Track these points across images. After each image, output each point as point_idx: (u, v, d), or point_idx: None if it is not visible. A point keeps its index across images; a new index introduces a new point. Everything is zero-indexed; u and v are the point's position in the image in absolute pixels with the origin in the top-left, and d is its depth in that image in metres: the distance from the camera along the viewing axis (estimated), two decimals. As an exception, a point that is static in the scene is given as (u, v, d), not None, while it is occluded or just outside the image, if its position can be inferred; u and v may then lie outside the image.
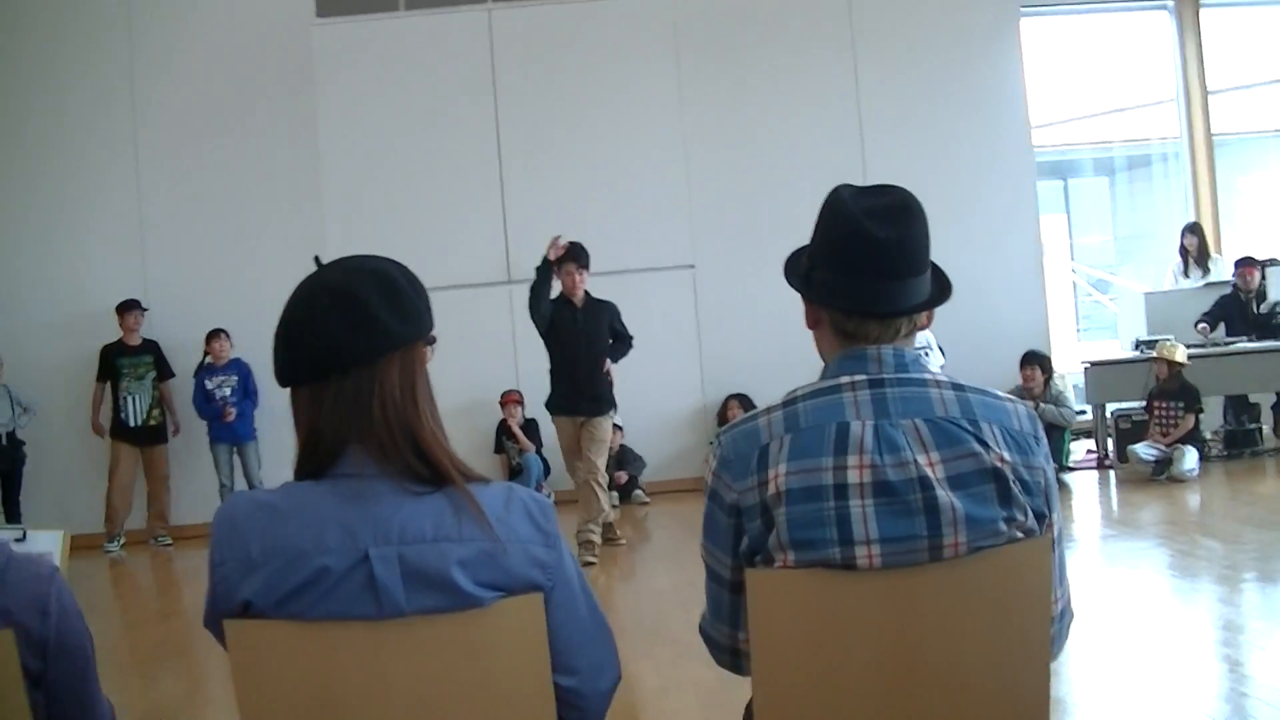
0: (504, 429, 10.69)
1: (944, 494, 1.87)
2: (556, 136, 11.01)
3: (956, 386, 1.98)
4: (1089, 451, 10.63)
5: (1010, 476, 1.92)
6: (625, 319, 8.39)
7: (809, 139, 11.10)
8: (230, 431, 10.31)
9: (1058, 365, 10.56)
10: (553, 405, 8.23)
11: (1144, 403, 9.91)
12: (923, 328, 2.09)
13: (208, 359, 10.46)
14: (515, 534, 1.80)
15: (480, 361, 10.60)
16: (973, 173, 11.16)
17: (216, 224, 10.90)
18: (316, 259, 1.90)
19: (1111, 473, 10.00)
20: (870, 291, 1.99)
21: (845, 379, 1.98)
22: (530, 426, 10.54)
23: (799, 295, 2.07)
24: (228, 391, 10.35)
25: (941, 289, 2.07)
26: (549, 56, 11.06)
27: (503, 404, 10.63)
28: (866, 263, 1.98)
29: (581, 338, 8.05)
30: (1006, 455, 1.93)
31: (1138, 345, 10.46)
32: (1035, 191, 11.43)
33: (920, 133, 11.16)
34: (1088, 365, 10.54)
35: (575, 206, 10.76)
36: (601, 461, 8.13)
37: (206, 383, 10.40)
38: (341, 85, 10.97)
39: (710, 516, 2.02)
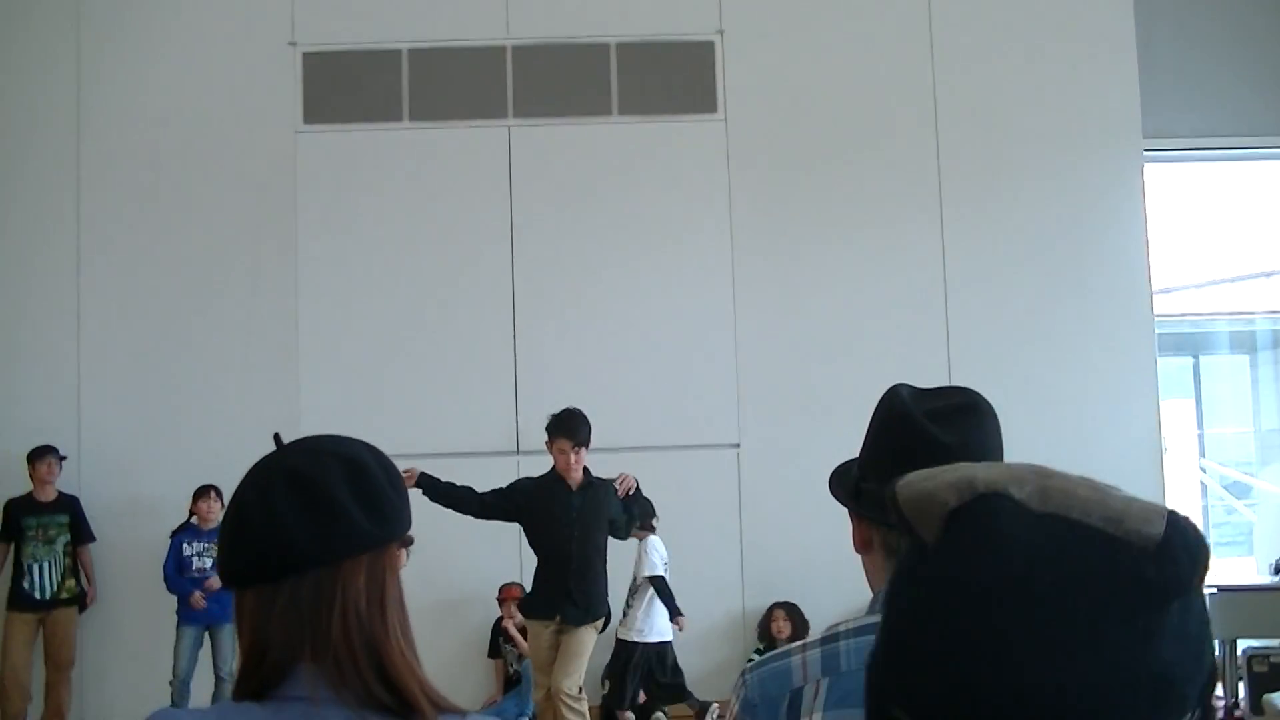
0: (501, 629, 10.63)
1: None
2: (582, 284, 11.10)
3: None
4: (1215, 698, 10.43)
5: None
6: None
7: (882, 304, 11.12)
8: (205, 611, 9.97)
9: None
10: (525, 606, 8.17)
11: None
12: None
13: (193, 519, 10.20)
14: (493, 779, 1.81)
15: (478, 546, 10.52)
16: (1078, 346, 11.15)
17: (167, 365, 10.96)
18: (276, 437, 1.93)
19: (1243, 725, 9.83)
20: None
21: (898, 614, 1.99)
22: (532, 628, 10.50)
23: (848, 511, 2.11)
24: (209, 563, 9.99)
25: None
26: (577, 186, 11.20)
27: (501, 600, 10.58)
28: None
29: (573, 528, 7.90)
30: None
31: (1278, 568, 10.36)
32: (1156, 370, 11.38)
33: (1016, 296, 11.17)
34: (1214, 590, 10.42)
35: (599, 367, 10.84)
36: (573, 679, 7.96)
37: (185, 548, 10.14)
38: (328, 208, 11.12)
39: (730, 771, 2.03)
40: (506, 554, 10.51)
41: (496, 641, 10.70)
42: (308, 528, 1.80)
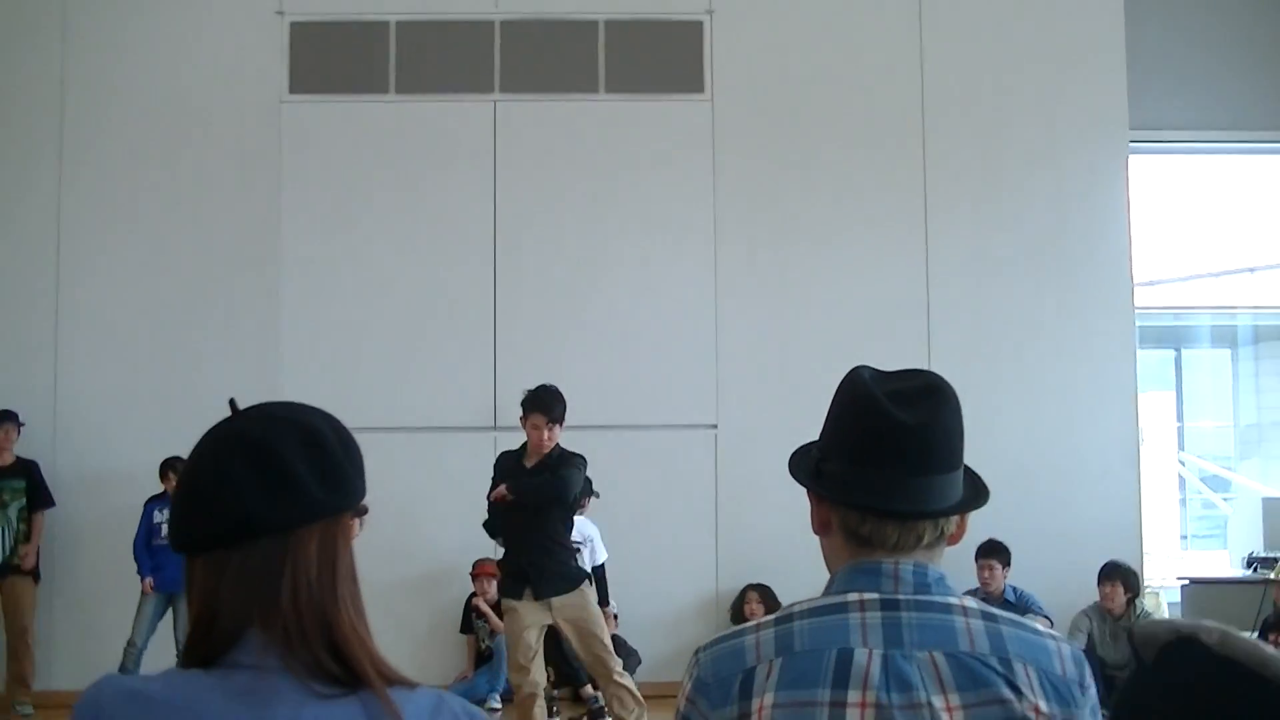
0: (473, 606, 10.63)
1: (961, 746, 1.88)
2: (563, 261, 11.10)
3: (987, 616, 1.98)
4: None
5: (1045, 732, 1.93)
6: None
7: (864, 289, 11.14)
8: (169, 579, 9.88)
9: (1156, 578, 10.47)
10: (499, 587, 8.19)
11: (1256, 634, 9.79)
12: (953, 541, 2.08)
13: (166, 492, 10.13)
14: (443, 753, 1.79)
15: (454, 521, 10.51)
16: (1059, 337, 11.19)
17: (147, 334, 10.95)
18: (232, 402, 1.91)
19: None
20: (890, 486, 2.01)
21: (853, 596, 1.99)
22: (505, 604, 10.50)
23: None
24: None
25: (976, 492, 2.08)
26: (562, 163, 11.19)
27: (474, 575, 10.57)
28: (887, 452, 2.01)
29: (525, 506, 7.89)
30: (1043, 705, 1.92)
31: (1251, 563, 10.38)
32: (1134, 362, 11.40)
33: (998, 286, 11.20)
34: (1186, 582, 10.46)
35: (578, 344, 10.85)
36: (610, 652, 7.96)
37: (155, 514, 10.13)
38: (312, 178, 11.10)
39: (681, 748, 2.02)
40: (481, 529, 10.52)
41: (469, 617, 10.69)
42: (260, 494, 1.78)
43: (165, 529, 9.69)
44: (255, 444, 1.81)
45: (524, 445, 8.07)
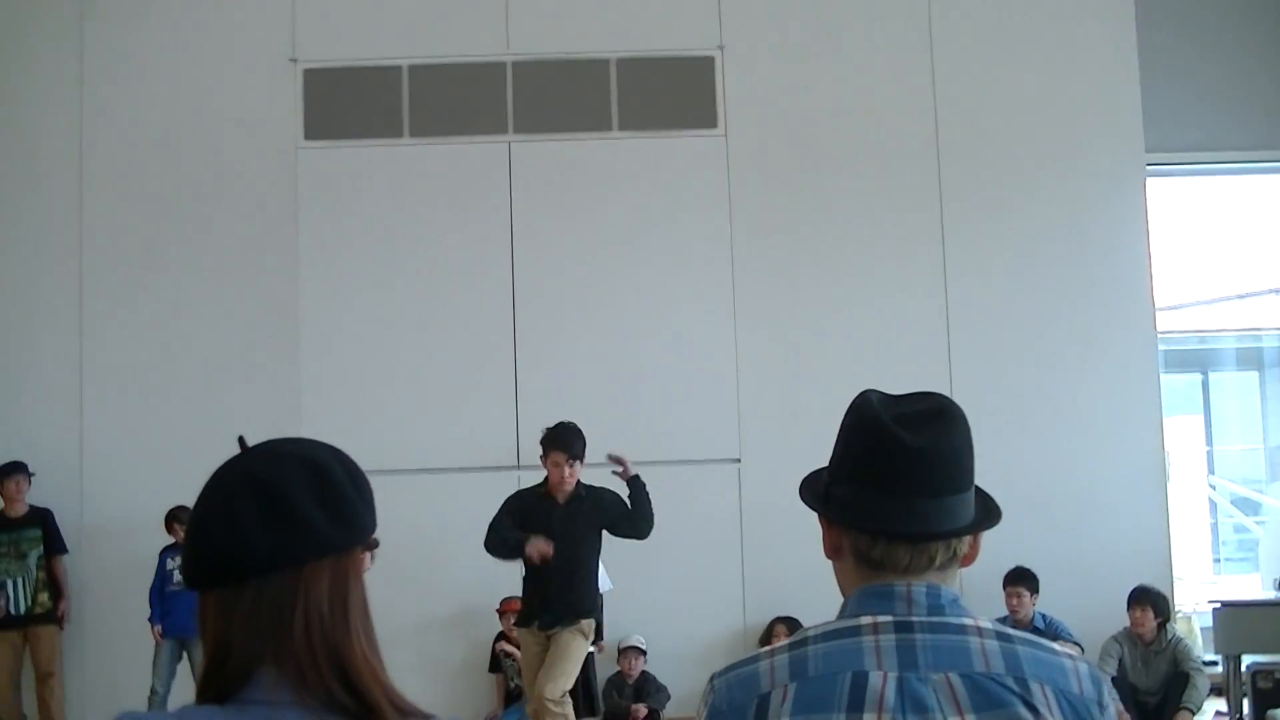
0: (501, 647, 10.60)
1: (979, 767, 1.88)
2: (583, 299, 11.12)
3: (1002, 636, 1.97)
4: (1219, 713, 10.40)
5: (1063, 752, 1.92)
6: (655, 518, 8.26)
7: (883, 318, 11.12)
8: (179, 625, 10.00)
9: (1189, 602, 10.40)
10: (518, 618, 8.22)
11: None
12: (966, 562, 2.08)
13: (177, 541, 10.20)
14: (455, 788, 1.79)
15: (480, 561, 10.46)
16: (1081, 363, 11.14)
17: (169, 382, 10.99)
18: (241, 440, 1.91)
19: (1247, 742, 9.76)
20: (900, 509, 2.00)
21: (866, 619, 1.98)
22: (532, 642, 10.47)
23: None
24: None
25: (987, 513, 2.08)
26: (578, 202, 11.21)
27: (501, 612, 10.55)
28: (896, 476, 2.00)
29: (554, 542, 7.91)
30: (1059, 725, 1.91)
31: (1281, 584, 10.32)
32: (1158, 386, 11.34)
33: (1018, 312, 11.17)
34: (1217, 605, 10.39)
35: (600, 381, 10.84)
36: (556, 684, 7.91)
37: (169, 562, 10.20)
38: (329, 225, 11.14)
39: (699, 775, 2.02)
40: (509, 566, 10.53)
41: (497, 656, 10.68)
42: (267, 532, 1.79)
43: (177, 575, 9.86)
44: (262, 482, 1.82)
45: (543, 482, 8.10)
